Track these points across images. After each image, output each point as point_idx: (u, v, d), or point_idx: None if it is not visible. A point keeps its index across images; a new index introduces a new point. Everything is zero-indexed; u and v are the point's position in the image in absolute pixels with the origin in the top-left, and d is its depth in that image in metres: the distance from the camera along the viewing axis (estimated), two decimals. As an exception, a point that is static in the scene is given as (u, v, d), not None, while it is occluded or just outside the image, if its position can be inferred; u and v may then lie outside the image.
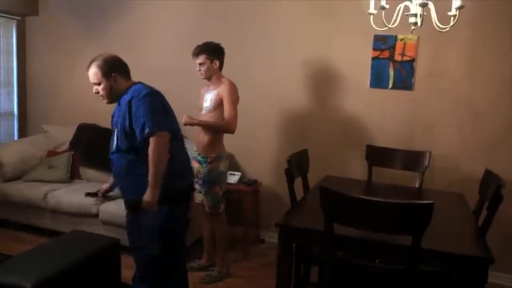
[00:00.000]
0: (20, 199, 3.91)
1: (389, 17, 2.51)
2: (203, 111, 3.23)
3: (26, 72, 4.99)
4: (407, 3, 2.46)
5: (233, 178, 3.81)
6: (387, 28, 2.55)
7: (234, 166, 4.05)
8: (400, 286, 2.00)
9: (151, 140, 2.17)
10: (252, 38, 4.00)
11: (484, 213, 2.50)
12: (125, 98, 2.28)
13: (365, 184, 3.30)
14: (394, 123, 3.66)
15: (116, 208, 3.40)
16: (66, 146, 4.39)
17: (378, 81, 3.66)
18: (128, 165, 2.28)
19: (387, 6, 2.49)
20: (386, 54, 3.60)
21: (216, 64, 3.18)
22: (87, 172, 4.26)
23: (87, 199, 3.11)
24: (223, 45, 3.24)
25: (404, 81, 3.59)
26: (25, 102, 5.03)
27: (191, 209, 2.54)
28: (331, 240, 1.99)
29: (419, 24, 2.42)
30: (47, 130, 4.63)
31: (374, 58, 3.64)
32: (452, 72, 3.48)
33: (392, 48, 3.58)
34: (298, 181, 2.94)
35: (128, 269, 2.54)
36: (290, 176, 2.74)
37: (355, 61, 3.71)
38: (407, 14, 2.45)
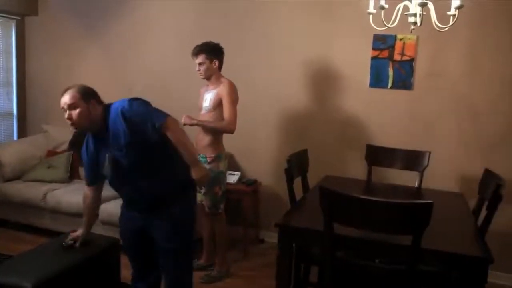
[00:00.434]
0: (20, 199, 3.91)
1: (388, 17, 2.51)
2: (203, 111, 3.24)
3: (25, 72, 4.99)
4: (406, 2, 2.46)
5: (233, 178, 3.81)
6: (386, 27, 2.55)
7: (233, 166, 4.05)
8: (400, 286, 2.00)
9: (167, 129, 2.14)
10: (252, 38, 4.00)
11: (483, 212, 2.50)
12: (114, 119, 2.16)
13: (365, 184, 3.30)
14: (393, 123, 3.66)
15: (116, 208, 3.39)
16: (65, 146, 4.38)
17: (377, 81, 3.66)
18: (151, 172, 2.19)
19: (386, 6, 2.49)
20: (385, 53, 3.60)
21: (215, 64, 3.19)
22: (86, 172, 4.25)
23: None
24: (223, 45, 3.25)
25: (404, 80, 3.59)
26: (25, 102, 5.03)
27: None
28: (331, 240, 1.99)
29: (418, 23, 2.42)
30: (47, 130, 4.64)
31: (373, 58, 3.64)
32: (451, 71, 3.48)
33: (392, 47, 3.58)
34: (298, 181, 2.94)
35: (127, 269, 2.54)
36: (289, 176, 2.74)
37: (354, 61, 3.71)
38: (406, 14, 2.45)
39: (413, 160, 3.30)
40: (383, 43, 3.59)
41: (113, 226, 3.47)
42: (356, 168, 3.68)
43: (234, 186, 3.73)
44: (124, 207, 2.42)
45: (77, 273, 2.42)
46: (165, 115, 2.16)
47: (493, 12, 3.32)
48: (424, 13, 2.41)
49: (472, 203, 2.82)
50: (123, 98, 2.21)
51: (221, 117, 3.16)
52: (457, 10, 2.33)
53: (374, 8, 2.55)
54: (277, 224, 2.26)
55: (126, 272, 2.69)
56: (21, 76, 4.96)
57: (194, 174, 2.22)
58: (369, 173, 3.37)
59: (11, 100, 4.92)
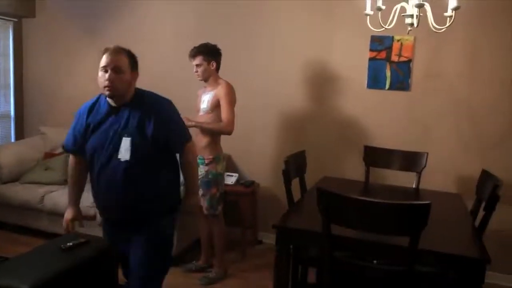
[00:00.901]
0: (17, 201, 3.90)
1: (385, 18, 2.51)
2: (200, 113, 3.24)
3: (23, 74, 4.98)
4: (403, 4, 2.46)
5: (231, 179, 3.81)
6: (383, 29, 2.56)
7: (231, 167, 4.04)
8: (398, 287, 2.00)
9: (189, 149, 2.18)
10: (250, 40, 4.00)
11: (481, 213, 2.50)
12: (152, 104, 2.11)
13: (363, 184, 3.31)
14: (391, 124, 3.66)
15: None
16: (63, 148, 4.39)
17: (375, 82, 3.66)
18: (145, 174, 2.10)
19: (383, 7, 2.50)
20: (383, 55, 3.61)
21: (213, 65, 3.19)
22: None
23: (84, 201, 3.10)
24: (221, 46, 3.25)
25: (401, 81, 3.59)
26: (22, 104, 5.01)
27: None
28: (329, 241, 1.99)
29: (415, 25, 2.42)
30: (44, 132, 4.62)
31: (371, 59, 3.65)
32: (449, 72, 3.49)
33: (389, 49, 3.59)
34: (296, 182, 2.94)
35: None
36: (287, 177, 2.74)
37: (352, 62, 3.71)
38: (403, 15, 2.45)
39: (411, 161, 3.31)
40: (381, 44, 3.60)
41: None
42: (354, 169, 3.68)
43: (232, 187, 3.73)
44: (103, 223, 2.39)
45: (75, 275, 2.41)
46: (190, 135, 2.24)
47: (490, 13, 3.33)
48: (421, 14, 2.42)
49: (470, 204, 2.82)
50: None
51: (219, 118, 3.16)
52: (453, 11, 2.34)
53: (371, 9, 2.56)
54: (275, 225, 2.26)
55: (123, 274, 2.68)
56: (19, 78, 4.95)
57: (189, 200, 2.23)
58: (367, 174, 3.37)
59: (8, 102, 4.91)
